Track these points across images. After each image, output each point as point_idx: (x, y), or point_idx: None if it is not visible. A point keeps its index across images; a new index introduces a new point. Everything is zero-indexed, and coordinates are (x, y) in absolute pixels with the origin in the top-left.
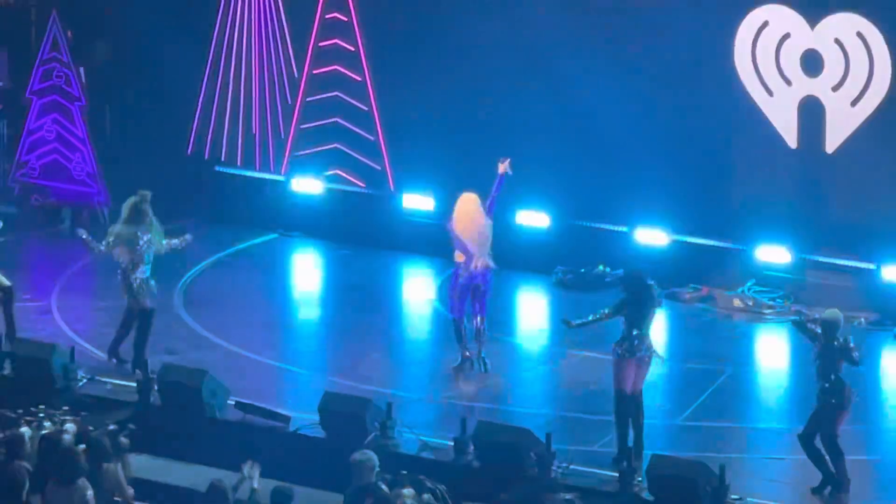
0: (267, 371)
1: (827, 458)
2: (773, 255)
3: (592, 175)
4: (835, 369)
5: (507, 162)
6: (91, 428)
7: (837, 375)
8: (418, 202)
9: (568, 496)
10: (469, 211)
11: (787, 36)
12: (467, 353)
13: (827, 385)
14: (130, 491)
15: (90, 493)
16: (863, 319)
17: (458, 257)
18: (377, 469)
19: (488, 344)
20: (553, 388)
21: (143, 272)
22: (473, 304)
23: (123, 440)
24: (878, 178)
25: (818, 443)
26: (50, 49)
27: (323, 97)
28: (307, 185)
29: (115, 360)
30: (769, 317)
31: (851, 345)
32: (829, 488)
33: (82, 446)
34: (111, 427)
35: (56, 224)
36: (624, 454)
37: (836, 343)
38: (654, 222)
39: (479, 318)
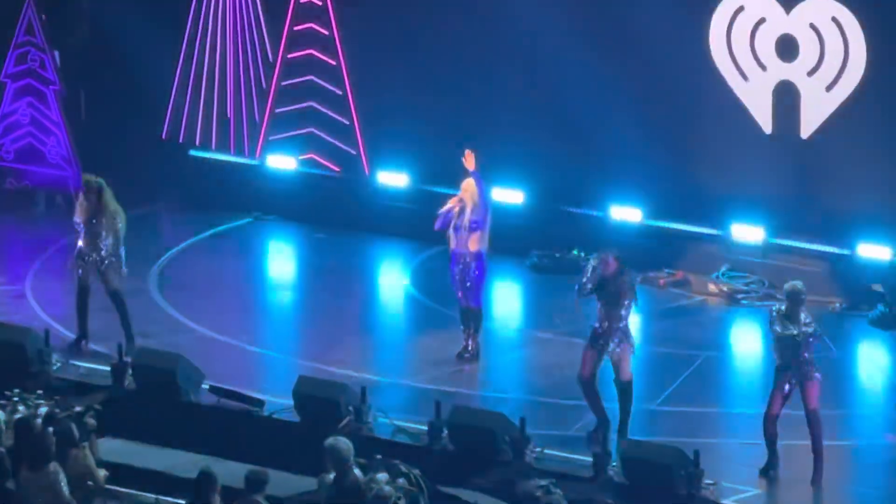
0: (241, 355)
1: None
2: (748, 239)
3: (567, 159)
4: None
5: (468, 156)
6: (58, 411)
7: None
8: (393, 185)
9: (542, 482)
10: (472, 192)
11: (762, 21)
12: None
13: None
14: (102, 473)
15: (62, 476)
16: (837, 305)
17: (474, 244)
18: (351, 454)
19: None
20: (527, 373)
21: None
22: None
23: (90, 421)
24: (853, 162)
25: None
26: (24, 32)
27: (297, 81)
28: (282, 162)
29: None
30: (744, 302)
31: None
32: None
33: (50, 429)
34: (77, 409)
35: (30, 208)
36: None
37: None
38: (629, 206)
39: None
